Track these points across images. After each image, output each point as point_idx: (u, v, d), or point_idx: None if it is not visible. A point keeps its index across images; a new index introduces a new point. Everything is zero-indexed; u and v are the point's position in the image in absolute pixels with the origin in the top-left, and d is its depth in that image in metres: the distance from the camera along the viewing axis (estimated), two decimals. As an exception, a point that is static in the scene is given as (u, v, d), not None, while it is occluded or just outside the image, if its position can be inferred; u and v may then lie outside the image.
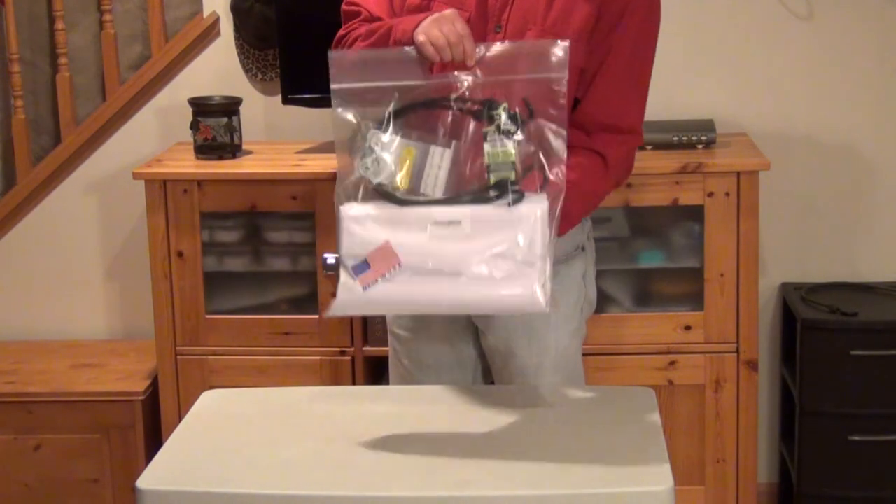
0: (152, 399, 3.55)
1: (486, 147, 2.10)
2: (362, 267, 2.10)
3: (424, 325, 2.59)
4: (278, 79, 3.64)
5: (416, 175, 2.14)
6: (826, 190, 3.73)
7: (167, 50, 3.78)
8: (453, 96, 2.16)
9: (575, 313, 2.57)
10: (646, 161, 3.33)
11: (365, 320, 3.41)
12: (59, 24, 3.76)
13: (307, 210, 3.39)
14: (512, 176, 2.09)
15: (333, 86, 2.17)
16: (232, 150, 3.53)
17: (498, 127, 2.11)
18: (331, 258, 3.34)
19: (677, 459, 3.21)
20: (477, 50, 2.20)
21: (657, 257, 3.47)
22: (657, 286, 3.49)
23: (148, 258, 3.45)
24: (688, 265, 3.42)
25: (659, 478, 1.95)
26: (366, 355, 3.44)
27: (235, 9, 3.74)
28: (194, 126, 3.51)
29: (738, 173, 3.31)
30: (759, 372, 3.41)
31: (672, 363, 3.39)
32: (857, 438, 3.44)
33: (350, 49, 2.39)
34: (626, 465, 2.00)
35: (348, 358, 3.44)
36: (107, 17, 3.78)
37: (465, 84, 2.17)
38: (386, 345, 2.71)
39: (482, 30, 2.38)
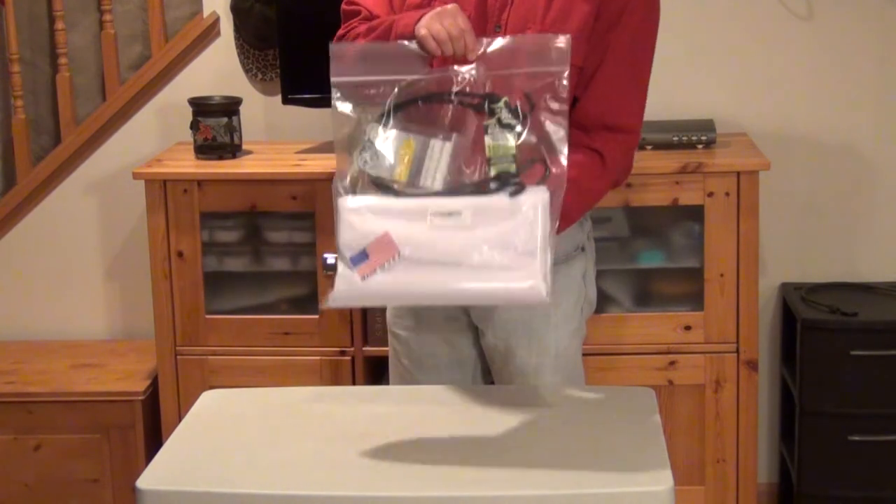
0: (152, 399, 3.55)
1: (487, 140, 2.10)
2: (361, 258, 2.07)
3: (424, 324, 2.59)
4: (278, 79, 3.64)
5: (416, 168, 2.14)
6: (826, 190, 3.73)
7: (167, 50, 3.78)
8: (454, 90, 2.16)
9: (575, 313, 2.57)
10: (646, 161, 3.33)
11: (365, 320, 3.41)
12: (59, 24, 3.76)
13: (307, 210, 3.39)
14: (513, 168, 2.08)
15: (333, 79, 2.17)
16: (232, 150, 3.53)
17: (499, 120, 2.11)
18: (331, 258, 3.34)
19: (677, 459, 3.20)
20: (478, 44, 2.20)
21: (657, 257, 3.47)
22: (657, 286, 3.49)
23: (148, 258, 3.45)
24: (688, 265, 3.42)
25: (659, 478, 1.95)
26: (366, 355, 3.44)
27: (235, 9, 3.74)
28: (194, 126, 3.51)
29: (738, 173, 3.31)
30: (759, 372, 3.41)
31: (672, 363, 3.39)
32: (857, 438, 3.44)
33: (351, 43, 2.38)
34: (626, 465, 2.00)
35: (348, 358, 3.44)
36: (107, 17, 3.78)
37: (466, 78, 2.17)
38: (386, 345, 2.70)
39: (482, 29, 2.38)
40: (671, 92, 3.64)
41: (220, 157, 3.51)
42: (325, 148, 3.56)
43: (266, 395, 2.42)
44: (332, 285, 2.09)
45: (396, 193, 2.11)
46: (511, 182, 2.08)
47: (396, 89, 2.16)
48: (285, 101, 3.59)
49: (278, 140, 3.77)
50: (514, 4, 2.39)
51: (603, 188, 2.45)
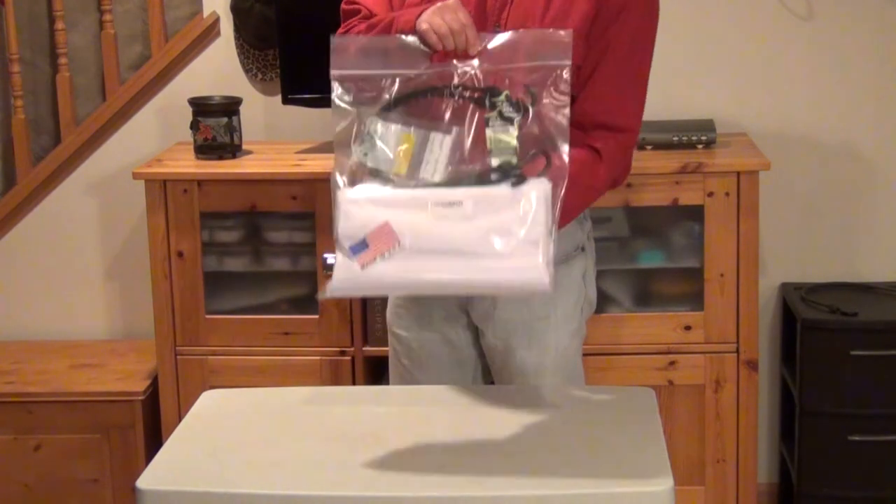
0: (152, 399, 3.55)
1: (488, 132, 2.10)
2: (360, 247, 2.05)
3: (425, 324, 2.59)
4: (278, 79, 3.64)
5: (416, 161, 2.13)
6: (826, 190, 3.73)
7: (167, 50, 3.78)
8: (455, 84, 2.16)
9: (575, 313, 2.57)
10: (646, 161, 3.33)
11: (365, 320, 3.41)
12: (59, 24, 3.76)
13: (307, 210, 3.39)
14: (514, 160, 2.08)
15: (333, 72, 2.17)
16: (232, 150, 3.53)
17: (500, 113, 2.11)
18: (331, 258, 3.30)
19: (677, 459, 3.21)
20: (479, 39, 2.20)
21: (657, 257, 3.47)
22: (657, 286, 3.49)
23: (148, 258, 3.45)
24: (688, 265, 3.42)
25: (659, 478, 1.95)
26: (366, 355, 3.44)
27: (235, 9, 3.74)
28: (194, 126, 3.51)
29: (738, 173, 3.31)
30: (759, 372, 3.41)
31: (672, 363, 3.39)
32: (857, 438, 3.44)
33: (352, 36, 2.38)
34: (626, 465, 2.00)
35: (348, 358, 3.44)
36: (107, 17, 3.78)
37: (467, 72, 2.17)
38: (386, 345, 2.70)
39: (481, 29, 2.37)
40: (671, 92, 3.65)
41: (220, 157, 3.51)
42: (325, 148, 3.56)
43: (266, 395, 2.42)
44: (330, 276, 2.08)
45: (395, 185, 2.10)
46: (512, 174, 2.08)
47: (397, 83, 2.15)
48: (285, 101, 3.59)
49: (278, 140, 3.76)
50: (513, 4, 2.39)
51: (601, 186, 2.45)
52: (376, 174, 2.12)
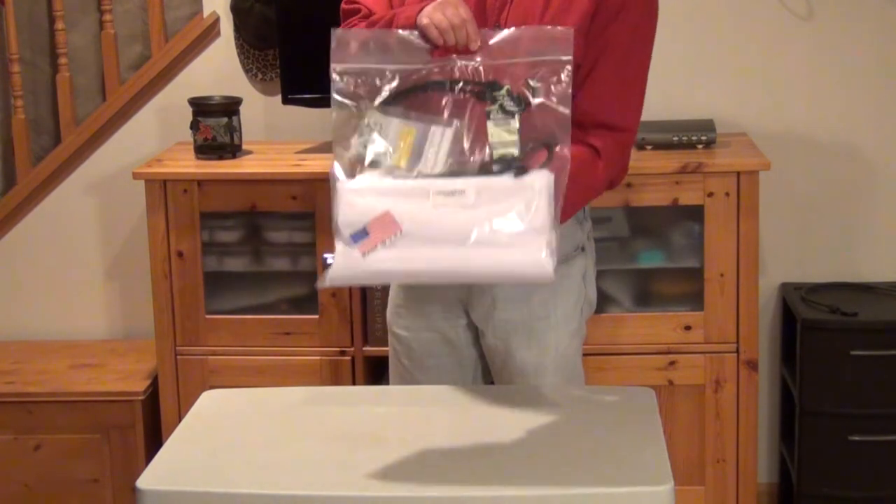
0: (152, 399, 3.55)
1: (490, 125, 2.10)
2: (361, 235, 2.03)
3: (425, 324, 2.59)
4: (278, 79, 3.64)
5: (416, 154, 2.12)
6: (826, 190, 3.73)
7: (167, 50, 3.78)
8: (455, 79, 2.16)
9: (575, 314, 2.57)
10: (646, 161, 3.33)
11: (365, 320, 3.41)
12: (59, 24, 3.76)
13: (307, 210, 3.39)
14: (515, 153, 2.08)
15: (334, 64, 2.17)
16: (232, 150, 3.53)
17: (501, 106, 2.11)
18: (330, 258, 3.32)
19: (677, 459, 3.20)
20: (480, 35, 2.21)
21: (657, 257, 3.47)
22: (657, 286, 3.49)
23: (148, 258, 3.45)
24: (688, 265, 3.42)
25: (659, 478, 1.95)
26: (366, 355, 3.44)
27: (235, 9, 3.74)
28: (194, 126, 3.51)
29: (738, 173, 3.31)
30: (759, 372, 3.41)
31: (672, 363, 3.39)
32: (857, 438, 3.44)
33: (353, 29, 2.38)
34: (626, 465, 2.00)
35: (348, 358, 3.44)
36: (107, 17, 3.78)
37: (468, 68, 2.17)
38: (386, 345, 2.70)
39: (482, 28, 2.38)
40: (671, 92, 3.65)
41: (220, 157, 3.51)
42: (325, 148, 3.56)
43: (266, 395, 2.42)
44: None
45: (396, 177, 2.10)
46: (514, 165, 2.07)
47: (397, 77, 2.15)
48: (285, 101, 3.59)
49: (278, 140, 3.76)
50: (513, 3, 2.39)
51: (599, 184, 2.45)
52: (376, 166, 2.11)
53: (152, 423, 3.55)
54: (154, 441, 3.50)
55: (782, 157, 3.62)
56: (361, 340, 3.42)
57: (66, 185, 3.88)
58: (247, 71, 3.78)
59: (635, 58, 2.44)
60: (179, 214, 3.41)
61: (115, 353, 3.79)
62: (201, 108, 3.52)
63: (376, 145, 2.12)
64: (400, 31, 2.24)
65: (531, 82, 2.12)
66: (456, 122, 2.13)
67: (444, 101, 2.15)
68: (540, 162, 2.09)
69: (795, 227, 3.74)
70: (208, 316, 3.45)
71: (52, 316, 3.94)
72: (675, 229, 3.44)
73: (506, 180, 2.06)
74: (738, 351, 3.37)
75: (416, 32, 2.23)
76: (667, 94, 3.61)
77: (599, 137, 2.40)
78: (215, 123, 3.50)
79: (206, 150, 3.51)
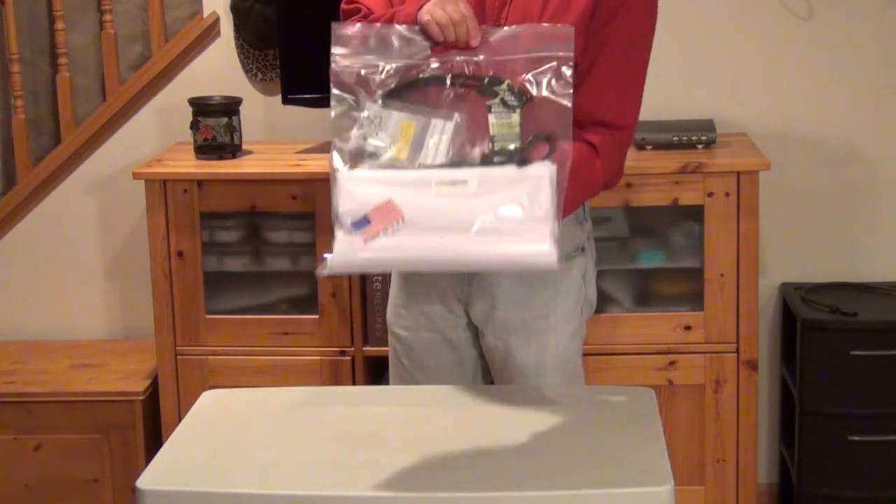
0: (152, 399, 3.55)
1: (491, 118, 2.10)
2: (362, 223, 2.00)
3: (425, 324, 2.59)
4: (278, 79, 3.64)
5: (416, 147, 2.12)
6: (826, 190, 3.73)
7: (167, 50, 3.78)
8: (456, 74, 2.16)
9: (575, 314, 2.57)
10: (646, 161, 3.33)
11: (365, 320, 3.41)
12: (59, 24, 3.76)
13: (307, 210, 3.39)
14: (517, 145, 2.08)
15: (334, 58, 2.17)
16: (232, 150, 3.53)
17: (502, 101, 2.11)
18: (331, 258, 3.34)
19: (677, 459, 3.20)
20: (480, 32, 2.21)
21: (657, 257, 3.47)
22: (657, 286, 3.49)
23: (148, 258, 3.45)
24: (688, 265, 3.42)
25: (659, 478, 1.95)
26: (366, 355, 3.44)
27: (235, 9, 3.74)
28: (194, 126, 3.51)
29: (738, 173, 3.31)
30: (759, 372, 3.41)
31: (672, 363, 3.39)
32: (857, 438, 3.44)
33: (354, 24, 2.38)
34: (626, 465, 2.00)
35: (348, 358, 3.44)
36: (107, 17, 3.78)
37: (469, 64, 2.17)
38: (386, 345, 2.70)
39: (481, 28, 2.38)
40: (671, 92, 3.64)
41: (220, 157, 3.51)
42: (325, 148, 3.53)
43: (266, 395, 2.42)
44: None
45: (397, 168, 2.09)
46: (516, 157, 2.07)
47: (397, 71, 2.15)
48: (285, 101, 3.59)
49: (278, 140, 3.76)
50: (512, 3, 2.40)
51: (597, 182, 2.45)
52: (376, 159, 2.10)
53: (152, 423, 3.55)
54: (154, 441, 3.50)
55: (782, 157, 3.62)
56: (361, 340, 3.42)
57: (66, 185, 3.88)
58: (247, 71, 3.78)
59: (634, 56, 2.44)
60: (179, 214, 3.41)
61: (115, 353, 3.79)
62: (201, 108, 3.52)
63: (376, 138, 2.12)
64: (400, 27, 2.24)
65: (532, 77, 2.12)
66: (456, 116, 2.13)
67: (444, 96, 2.15)
68: (542, 155, 2.09)
69: (795, 227, 3.74)
70: (208, 316, 3.45)
71: (52, 316, 3.94)
72: (675, 229, 3.44)
73: (509, 170, 2.06)
74: (738, 351, 3.37)
75: (416, 28, 2.23)
76: (667, 94, 3.61)
77: (597, 135, 2.41)
78: (215, 123, 3.50)
79: (206, 150, 3.51)
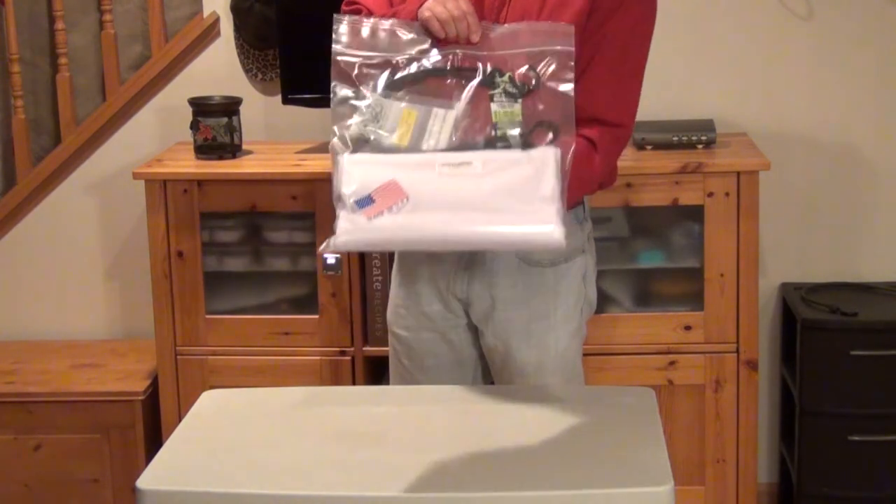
0: (152, 399, 3.55)
1: (494, 107, 2.10)
2: (366, 201, 1.99)
3: (425, 324, 2.59)
4: (278, 79, 3.64)
5: (418, 134, 2.12)
6: (826, 190, 3.73)
7: (167, 50, 3.78)
8: (458, 67, 2.17)
9: (575, 314, 2.57)
10: (646, 161, 3.33)
11: (365, 320, 3.41)
12: (59, 24, 3.76)
13: (307, 210, 3.39)
14: (519, 131, 2.09)
15: (335, 49, 2.17)
16: (232, 150, 3.53)
17: (505, 90, 2.11)
18: (331, 258, 3.34)
19: (677, 459, 3.21)
20: (481, 28, 2.21)
21: (657, 257, 3.47)
22: (657, 286, 3.49)
23: (148, 258, 3.45)
24: (688, 265, 3.42)
25: (659, 478, 1.95)
26: (366, 355, 3.44)
27: (235, 9, 3.74)
28: (194, 126, 3.51)
29: (738, 173, 3.31)
30: (759, 372, 3.41)
31: (672, 363, 3.39)
32: (857, 438, 3.44)
33: (355, 15, 2.39)
34: (626, 465, 2.00)
35: (348, 358, 3.44)
36: (107, 17, 3.78)
37: (470, 58, 2.18)
38: (386, 345, 2.70)
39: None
40: (671, 92, 3.65)
41: (220, 157, 3.51)
42: (325, 148, 3.50)
43: (266, 395, 2.42)
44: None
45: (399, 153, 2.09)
46: (519, 142, 2.07)
47: (398, 63, 2.16)
48: (285, 101, 3.59)
49: (278, 140, 3.77)
50: (511, 2, 2.40)
51: (595, 178, 2.44)
52: (378, 144, 2.10)
53: (152, 423, 3.55)
54: (154, 441, 3.50)
55: (782, 157, 3.62)
56: (361, 340, 3.42)
57: (66, 185, 3.88)
58: (247, 71, 3.78)
59: (632, 55, 2.44)
60: (179, 214, 3.41)
61: (115, 353, 3.79)
62: (201, 108, 3.52)
63: (377, 125, 2.12)
64: (402, 21, 2.25)
65: (533, 70, 2.12)
66: (458, 105, 2.14)
67: (445, 86, 2.16)
68: (545, 141, 2.10)
69: (795, 227, 3.74)
70: (208, 316, 3.45)
71: (52, 316, 3.94)
72: (675, 229, 3.44)
73: (513, 153, 2.06)
74: (738, 351, 3.37)
75: (417, 25, 2.24)
76: (667, 94, 3.61)
77: (595, 132, 2.41)
78: (215, 123, 3.50)
79: (206, 150, 3.51)
